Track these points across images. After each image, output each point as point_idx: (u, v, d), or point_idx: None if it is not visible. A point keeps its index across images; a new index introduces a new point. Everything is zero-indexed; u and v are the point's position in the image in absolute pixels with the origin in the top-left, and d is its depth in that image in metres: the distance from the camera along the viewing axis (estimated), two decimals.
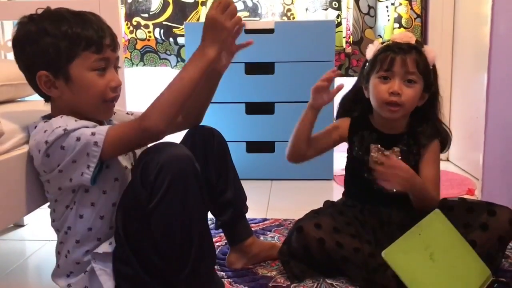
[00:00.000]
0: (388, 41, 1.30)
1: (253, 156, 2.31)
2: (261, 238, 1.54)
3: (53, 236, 1.14)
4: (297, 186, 2.21)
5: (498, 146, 1.81)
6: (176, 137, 1.22)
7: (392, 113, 1.26)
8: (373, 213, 1.30)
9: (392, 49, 1.26)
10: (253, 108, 2.29)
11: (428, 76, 1.27)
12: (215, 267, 1.28)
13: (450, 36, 2.59)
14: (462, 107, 2.49)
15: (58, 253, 1.12)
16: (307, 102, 2.24)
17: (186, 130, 1.27)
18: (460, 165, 2.48)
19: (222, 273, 1.29)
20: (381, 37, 2.64)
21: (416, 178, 1.23)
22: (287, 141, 2.28)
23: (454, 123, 2.69)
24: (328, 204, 1.40)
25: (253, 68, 2.26)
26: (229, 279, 1.26)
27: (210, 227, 1.41)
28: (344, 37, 2.62)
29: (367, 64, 1.31)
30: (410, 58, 1.23)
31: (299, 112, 2.25)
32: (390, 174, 1.19)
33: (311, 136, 1.35)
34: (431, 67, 1.28)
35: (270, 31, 2.23)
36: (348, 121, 1.37)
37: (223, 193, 1.26)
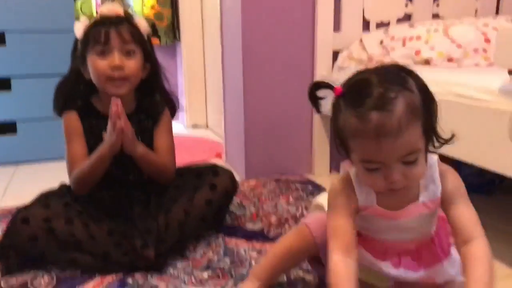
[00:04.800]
0: (95, 16, 1.24)
1: None
2: None
3: None
4: (48, 167, 2.04)
5: (232, 110, 1.95)
6: None
7: (118, 88, 1.20)
8: (112, 197, 1.25)
9: (103, 23, 1.20)
10: None
11: (145, 45, 1.25)
12: None
13: (198, 6, 2.67)
14: (214, 77, 2.62)
15: None
16: (48, 74, 2.08)
17: None
18: (217, 132, 2.63)
19: None
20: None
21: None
22: (31, 120, 2.08)
23: (210, 93, 2.83)
24: (63, 188, 1.29)
25: None
26: None
27: None
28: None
29: (79, 43, 1.24)
30: (123, 29, 1.19)
31: (41, 87, 2.08)
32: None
33: None
34: (146, 38, 1.27)
35: None
36: (75, 114, 1.25)
37: None
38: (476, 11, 1.98)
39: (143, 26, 1.26)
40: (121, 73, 1.19)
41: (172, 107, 1.36)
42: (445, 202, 0.83)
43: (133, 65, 1.21)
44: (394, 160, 0.74)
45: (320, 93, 0.81)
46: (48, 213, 1.14)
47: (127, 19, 1.23)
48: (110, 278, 1.09)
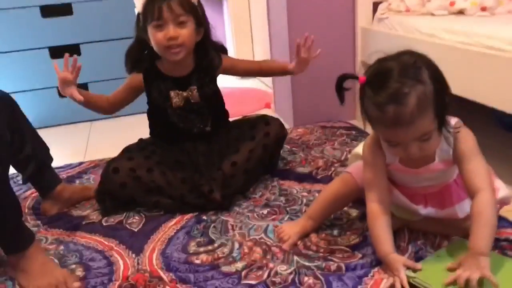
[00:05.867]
0: None
1: (67, 100, 2.30)
2: (77, 182, 1.63)
3: None
4: (118, 123, 2.28)
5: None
6: None
7: (175, 55, 1.37)
8: (181, 149, 1.47)
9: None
10: (56, 51, 2.25)
11: (196, 13, 1.39)
12: (29, 217, 1.38)
13: None
14: (260, 31, 2.75)
15: None
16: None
17: None
18: (265, 81, 2.79)
19: (37, 221, 1.38)
20: None
21: None
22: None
23: (257, 46, 2.97)
24: (142, 143, 1.53)
25: None
26: (45, 226, 1.35)
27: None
28: None
29: (140, 17, 1.40)
30: (174, 3, 1.33)
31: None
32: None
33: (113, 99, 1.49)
34: (196, 4, 1.40)
35: None
36: (140, 76, 1.46)
37: (21, 150, 1.31)
38: None
39: None
40: (176, 41, 1.35)
41: (226, 53, 1.53)
42: (457, 161, 0.99)
43: (186, 33, 1.36)
44: (409, 140, 0.92)
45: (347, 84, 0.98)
46: (133, 164, 1.38)
47: None
48: (188, 216, 1.33)
